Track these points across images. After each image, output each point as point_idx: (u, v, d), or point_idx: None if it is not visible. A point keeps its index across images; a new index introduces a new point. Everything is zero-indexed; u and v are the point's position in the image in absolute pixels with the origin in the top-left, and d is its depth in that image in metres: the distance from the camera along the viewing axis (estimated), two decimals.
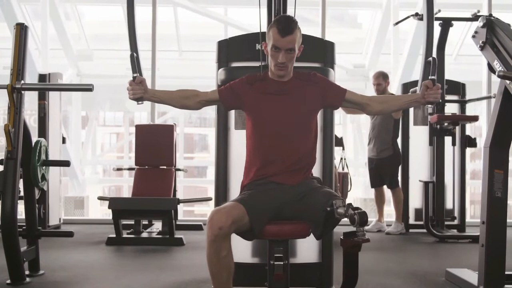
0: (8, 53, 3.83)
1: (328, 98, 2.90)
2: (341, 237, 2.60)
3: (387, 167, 6.38)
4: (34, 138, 4.02)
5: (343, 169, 6.47)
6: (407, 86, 6.57)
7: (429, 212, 5.99)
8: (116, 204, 5.54)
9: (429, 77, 2.98)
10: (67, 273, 4.14)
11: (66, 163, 4.55)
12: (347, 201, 2.63)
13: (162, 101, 2.90)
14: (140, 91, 2.82)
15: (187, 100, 2.89)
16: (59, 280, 3.92)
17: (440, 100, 5.80)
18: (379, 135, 6.39)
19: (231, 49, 3.67)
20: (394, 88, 8.48)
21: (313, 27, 7.87)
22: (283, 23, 2.77)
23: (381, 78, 6.38)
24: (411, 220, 6.57)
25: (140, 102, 2.87)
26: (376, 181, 6.52)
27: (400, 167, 6.52)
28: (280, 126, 2.81)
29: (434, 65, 3.07)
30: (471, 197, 11.12)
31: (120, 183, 13.78)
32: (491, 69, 3.56)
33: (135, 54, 3.16)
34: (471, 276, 3.68)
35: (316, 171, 3.29)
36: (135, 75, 2.93)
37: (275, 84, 2.86)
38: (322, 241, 3.49)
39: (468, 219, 6.67)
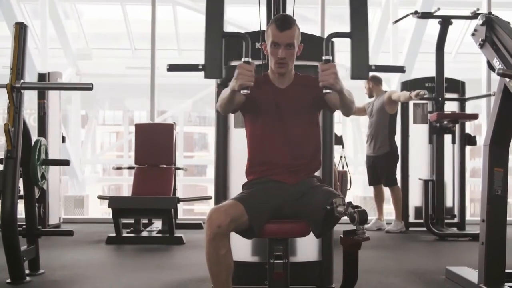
0: (8, 52, 3.83)
1: (320, 97, 2.83)
2: (341, 235, 2.60)
3: (383, 164, 6.39)
4: (34, 137, 4.02)
5: (342, 167, 6.48)
6: (406, 85, 6.58)
7: (429, 210, 5.99)
8: (116, 203, 5.54)
9: (323, 58, 2.67)
10: (67, 272, 4.14)
11: (65, 162, 4.55)
12: (347, 199, 2.59)
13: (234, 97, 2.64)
14: (253, 78, 2.55)
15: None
16: (59, 279, 3.92)
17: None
18: (376, 132, 6.42)
19: (230, 48, 3.65)
20: (394, 86, 8.48)
21: (312, 25, 7.88)
22: (281, 19, 2.77)
23: (366, 81, 6.48)
24: (411, 218, 6.57)
25: (246, 91, 2.56)
26: (374, 179, 6.53)
27: (399, 165, 6.53)
28: (280, 129, 2.81)
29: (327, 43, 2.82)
30: (471, 195, 11.11)
31: (120, 182, 13.77)
32: (490, 67, 3.56)
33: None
34: (471, 274, 3.68)
35: None
36: (249, 59, 2.62)
37: (276, 89, 2.85)
38: (322, 239, 3.49)
39: (468, 217, 6.67)
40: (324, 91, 2.57)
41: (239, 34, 2.83)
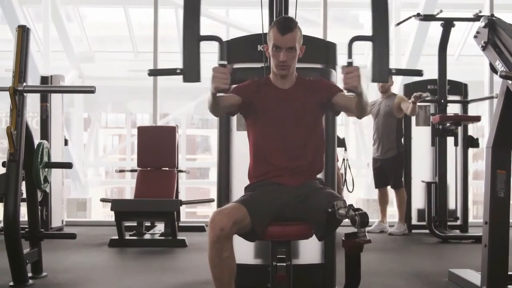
0: (10, 56, 3.83)
1: (326, 99, 2.85)
2: (343, 238, 2.60)
3: (391, 167, 6.37)
4: (36, 140, 4.03)
5: (345, 170, 6.47)
6: (409, 87, 6.57)
7: (431, 213, 5.98)
8: (119, 206, 5.54)
9: (346, 61, 2.76)
10: (69, 275, 4.14)
11: (68, 165, 4.55)
12: (349, 201, 2.60)
13: (220, 99, 2.67)
14: (229, 81, 2.54)
15: (222, 103, 2.72)
16: (62, 282, 3.92)
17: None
18: (383, 135, 6.38)
19: (233, 50, 3.66)
20: (396, 89, 8.48)
21: (314, 28, 7.88)
22: (282, 22, 2.77)
23: None
24: (414, 221, 6.56)
25: (222, 94, 2.61)
26: (380, 181, 6.51)
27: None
28: (281, 131, 2.81)
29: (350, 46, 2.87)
30: (474, 198, 11.10)
31: (123, 185, 13.78)
32: (493, 69, 3.56)
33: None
34: (474, 276, 3.67)
35: None
36: (225, 62, 2.64)
37: (278, 91, 2.85)
38: (324, 242, 3.49)
39: (470, 219, 6.65)
40: (346, 93, 2.62)
41: (214, 38, 2.84)
